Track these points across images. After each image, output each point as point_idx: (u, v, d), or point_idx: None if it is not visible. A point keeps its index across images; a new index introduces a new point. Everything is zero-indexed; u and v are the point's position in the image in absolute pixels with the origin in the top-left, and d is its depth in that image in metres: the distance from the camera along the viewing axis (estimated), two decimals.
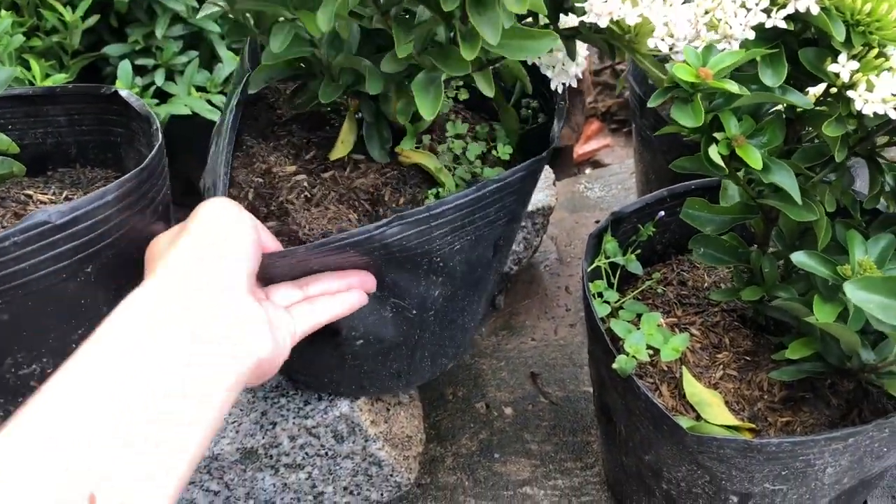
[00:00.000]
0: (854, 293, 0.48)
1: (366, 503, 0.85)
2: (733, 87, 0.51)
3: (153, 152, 0.62)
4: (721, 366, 0.70)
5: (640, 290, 0.77)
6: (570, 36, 0.60)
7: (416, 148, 0.71)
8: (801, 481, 0.62)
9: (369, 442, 0.79)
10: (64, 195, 0.69)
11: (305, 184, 0.68)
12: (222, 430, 0.77)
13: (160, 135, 0.64)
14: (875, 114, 0.51)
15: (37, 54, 0.97)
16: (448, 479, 0.88)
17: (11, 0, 0.99)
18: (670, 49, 0.53)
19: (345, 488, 0.82)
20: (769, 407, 0.67)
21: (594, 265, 0.74)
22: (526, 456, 0.90)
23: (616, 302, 0.73)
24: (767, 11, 0.53)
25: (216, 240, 0.49)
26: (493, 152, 0.73)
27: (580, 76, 0.64)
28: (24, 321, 0.55)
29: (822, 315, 0.55)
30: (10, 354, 0.56)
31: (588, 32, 0.58)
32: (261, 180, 0.68)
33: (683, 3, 0.54)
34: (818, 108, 0.58)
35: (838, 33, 0.52)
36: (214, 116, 0.99)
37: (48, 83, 0.89)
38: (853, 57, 0.53)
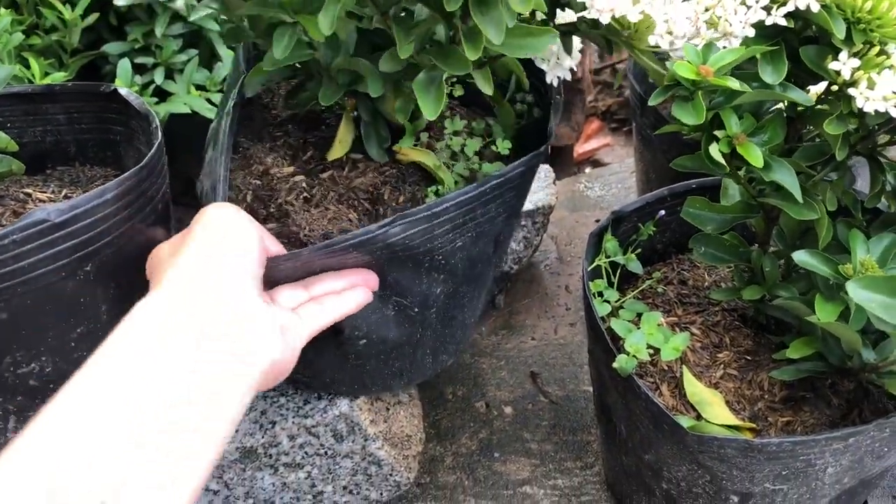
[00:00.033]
0: (856, 292, 0.48)
1: (365, 502, 0.84)
2: (734, 84, 0.51)
3: (152, 151, 0.61)
4: (722, 365, 0.70)
5: (640, 289, 0.77)
6: (567, 32, 0.60)
7: (414, 146, 0.70)
8: (801, 481, 0.62)
9: (369, 441, 0.79)
10: (63, 193, 0.69)
11: (304, 184, 0.67)
12: None
13: (160, 133, 0.64)
14: (876, 112, 0.51)
15: (36, 52, 0.96)
16: (447, 478, 0.88)
17: None
18: (670, 46, 0.53)
19: (344, 487, 0.82)
20: (770, 406, 0.67)
21: (594, 264, 0.73)
22: (526, 455, 0.90)
23: (616, 301, 0.72)
24: (767, 9, 0.53)
25: (223, 244, 0.49)
26: (493, 147, 0.73)
27: (575, 69, 0.64)
28: (22, 320, 0.55)
29: (823, 314, 0.55)
30: (9, 353, 0.56)
31: (586, 28, 0.58)
32: (259, 182, 0.68)
33: (683, 0, 0.54)
34: (819, 106, 0.57)
35: (839, 31, 0.52)
36: (214, 115, 0.98)
37: (47, 81, 0.89)
38: (854, 54, 0.53)
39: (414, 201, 0.68)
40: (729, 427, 0.64)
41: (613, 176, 1.42)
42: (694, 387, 0.67)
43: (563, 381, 0.98)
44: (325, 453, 0.78)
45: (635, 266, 0.75)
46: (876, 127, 0.57)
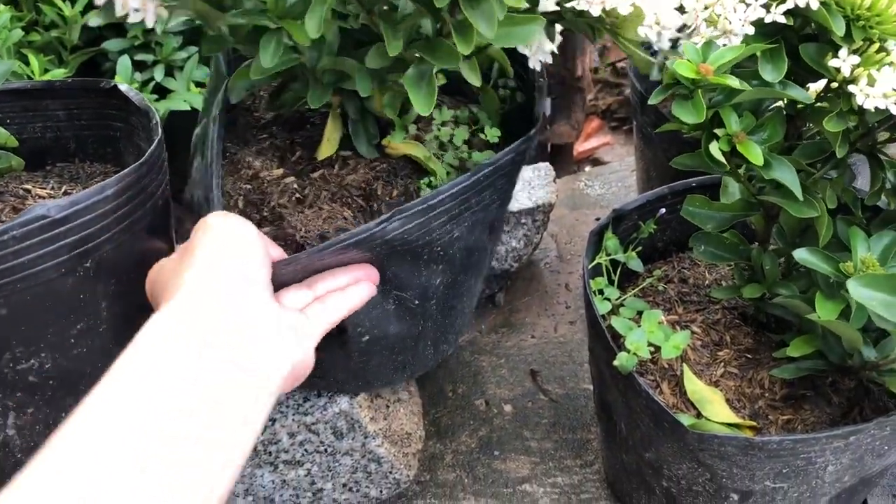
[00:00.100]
0: (857, 290, 0.48)
1: (365, 500, 0.84)
2: (734, 82, 0.51)
3: (152, 147, 0.61)
4: (722, 363, 0.70)
5: (640, 287, 0.77)
6: (551, 20, 0.60)
7: (403, 139, 0.70)
8: (801, 479, 0.62)
9: (368, 439, 0.79)
10: (63, 189, 0.69)
11: (295, 186, 0.67)
12: None
13: (159, 129, 0.64)
14: (876, 109, 0.51)
15: (35, 49, 0.96)
16: (447, 476, 0.88)
17: None
18: (658, 37, 0.53)
19: (344, 485, 0.82)
20: (770, 405, 0.67)
21: (595, 262, 0.73)
22: (525, 453, 0.90)
23: (617, 299, 0.72)
24: (767, 7, 0.53)
25: (224, 254, 0.49)
26: (481, 135, 0.73)
27: (556, 52, 0.63)
28: (22, 316, 0.55)
29: (823, 312, 0.55)
30: (9, 349, 0.56)
31: (571, 17, 0.58)
32: (249, 186, 0.67)
33: None
34: (819, 103, 0.57)
35: (838, 28, 0.52)
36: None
37: (47, 78, 0.89)
38: (854, 52, 0.53)
39: (407, 194, 0.68)
40: (729, 425, 0.64)
41: (613, 174, 1.42)
42: (694, 385, 0.67)
43: (562, 379, 0.98)
44: (325, 451, 0.78)
45: (636, 264, 0.74)
46: (876, 124, 0.57)
